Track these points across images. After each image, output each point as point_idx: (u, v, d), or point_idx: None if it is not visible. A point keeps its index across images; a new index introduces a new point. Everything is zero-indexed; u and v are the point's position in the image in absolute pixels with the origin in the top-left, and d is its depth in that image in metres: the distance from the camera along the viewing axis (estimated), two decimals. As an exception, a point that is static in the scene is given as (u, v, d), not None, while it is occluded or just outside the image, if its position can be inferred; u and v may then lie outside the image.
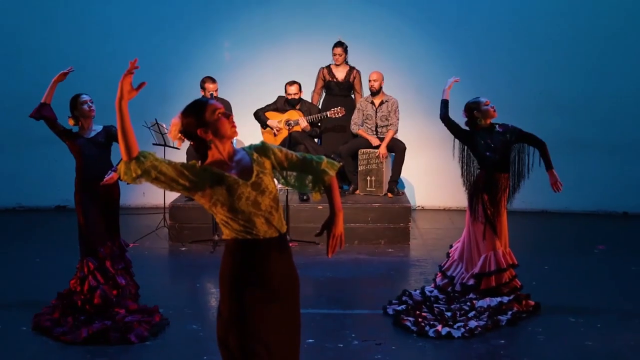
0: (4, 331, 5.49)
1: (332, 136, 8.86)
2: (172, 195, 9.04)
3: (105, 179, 5.70)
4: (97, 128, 5.92)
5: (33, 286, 6.60)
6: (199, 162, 3.34)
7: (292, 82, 8.62)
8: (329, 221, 3.54)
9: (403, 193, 8.73)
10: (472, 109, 6.02)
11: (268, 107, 8.71)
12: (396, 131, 8.74)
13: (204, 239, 8.13)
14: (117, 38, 10.11)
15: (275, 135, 8.61)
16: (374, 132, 8.74)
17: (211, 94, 8.32)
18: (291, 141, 8.26)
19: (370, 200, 8.43)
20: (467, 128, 6.11)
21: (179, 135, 3.38)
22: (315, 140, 8.76)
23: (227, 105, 8.56)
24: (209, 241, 8.07)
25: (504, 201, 6.05)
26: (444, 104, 6.16)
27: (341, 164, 8.32)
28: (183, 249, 8.05)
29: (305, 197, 8.38)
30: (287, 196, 8.09)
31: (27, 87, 10.00)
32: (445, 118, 6.12)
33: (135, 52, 9.83)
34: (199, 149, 3.36)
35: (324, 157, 3.56)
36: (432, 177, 9.95)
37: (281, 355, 3.33)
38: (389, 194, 8.63)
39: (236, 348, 3.26)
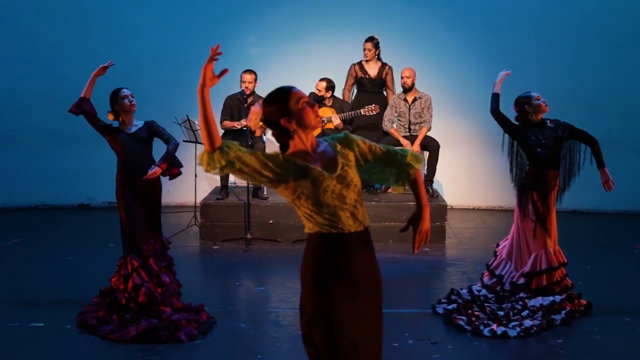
0: (48, 330, 5.36)
1: (364, 134, 8.70)
2: (202, 194, 8.94)
3: (148, 174, 5.57)
4: (138, 123, 5.78)
5: (70, 284, 6.49)
6: (280, 152, 3.22)
7: (323, 79, 8.50)
8: (415, 216, 3.42)
9: (438, 195, 8.56)
10: (523, 103, 5.89)
11: (299, 104, 8.56)
12: (429, 128, 8.61)
13: (236, 238, 8.00)
14: (141, 35, 9.98)
15: (307, 132, 8.48)
16: (407, 130, 8.61)
17: (243, 91, 8.18)
18: (324, 138, 8.11)
19: (404, 198, 8.29)
20: (516, 123, 5.98)
21: (260, 123, 3.26)
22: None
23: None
24: (241, 239, 7.94)
25: (554, 198, 5.92)
26: (495, 98, 6.03)
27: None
28: (215, 247, 7.91)
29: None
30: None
31: (48, 84, 9.91)
32: (496, 112, 5.99)
33: (160, 49, 9.89)
34: (280, 139, 3.24)
35: (407, 150, 3.43)
36: (461, 176, 9.83)
37: (366, 352, 3.21)
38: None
39: (322, 345, 3.17)
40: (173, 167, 5.76)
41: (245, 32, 10.04)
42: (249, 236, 7.81)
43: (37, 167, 9.95)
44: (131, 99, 5.73)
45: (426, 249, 7.85)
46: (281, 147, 3.25)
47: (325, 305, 3.15)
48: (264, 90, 8.73)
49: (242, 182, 8.85)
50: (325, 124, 8.35)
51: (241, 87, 8.35)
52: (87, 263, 7.25)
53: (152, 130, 5.77)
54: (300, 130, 3.19)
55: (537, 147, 5.84)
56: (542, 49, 9.79)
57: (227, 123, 8.38)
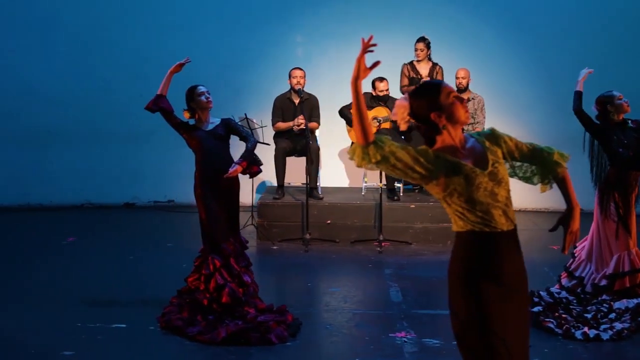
0: (132, 331, 5.28)
1: (416, 134, 8.59)
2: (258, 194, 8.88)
3: (229, 172, 5.47)
4: (215, 120, 5.69)
5: (142, 284, 6.41)
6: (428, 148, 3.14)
7: (381, 78, 8.40)
8: (565, 216, 3.30)
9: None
10: (605, 102, 5.81)
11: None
12: (483, 130, 8.52)
13: (293, 238, 7.91)
14: (186, 34, 9.88)
15: (361, 132, 8.39)
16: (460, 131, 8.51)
17: (299, 90, 8.09)
18: (380, 138, 8.02)
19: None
20: (597, 122, 5.90)
21: (407, 118, 3.19)
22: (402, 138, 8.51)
23: (314, 100, 8.35)
24: (299, 240, 7.86)
25: (634, 200, 5.84)
26: (578, 96, 5.95)
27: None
28: (274, 247, 7.82)
29: (395, 197, 8.15)
30: (380, 195, 7.85)
31: (96, 82, 9.84)
32: (578, 111, 5.90)
33: (207, 48, 9.80)
34: (427, 134, 3.16)
35: (554, 148, 3.34)
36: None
37: (518, 353, 3.13)
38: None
39: (477, 346, 3.08)
40: (253, 165, 5.66)
41: (291, 31, 9.96)
42: (307, 236, 7.72)
43: (83, 166, 9.86)
44: (208, 95, 5.64)
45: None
46: (428, 143, 3.17)
47: (480, 307, 3.07)
48: (311, 90, 8.77)
49: (296, 182, 8.75)
50: (382, 123, 8.26)
51: (291, 84, 8.24)
52: (151, 262, 7.17)
53: (229, 127, 5.68)
54: (449, 125, 3.12)
55: (619, 147, 5.76)
56: (593, 51, 9.68)
57: (281, 124, 8.28)
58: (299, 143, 8.16)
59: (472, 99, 8.52)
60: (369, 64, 3.08)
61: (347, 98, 8.53)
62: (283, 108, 8.34)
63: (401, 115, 3.20)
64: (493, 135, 3.22)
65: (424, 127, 3.16)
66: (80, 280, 6.50)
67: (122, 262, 7.18)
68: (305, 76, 8.24)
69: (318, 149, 8.19)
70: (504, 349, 3.05)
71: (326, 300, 6.09)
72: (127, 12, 9.89)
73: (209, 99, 5.64)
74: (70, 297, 5.98)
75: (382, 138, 3.03)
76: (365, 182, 8.73)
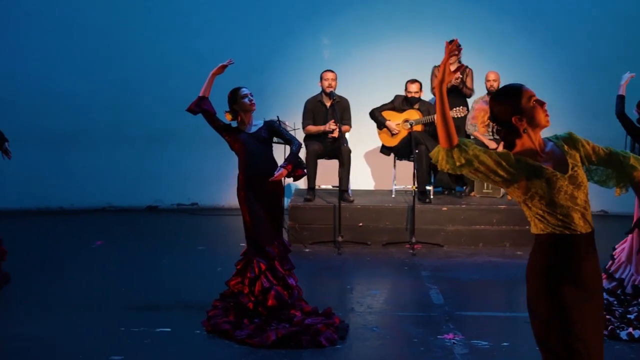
0: (178, 335, 5.23)
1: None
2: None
3: (275, 176, 5.44)
4: (258, 123, 5.66)
5: (181, 288, 6.38)
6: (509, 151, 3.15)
7: (414, 80, 8.39)
8: None
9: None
10: (646, 106, 5.83)
11: (385, 107, 8.45)
12: (513, 131, 8.50)
13: (325, 240, 7.89)
14: (210, 36, 9.87)
15: (392, 135, 8.37)
16: (490, 133, 8.49)
17: (332, 92, 8.07)
18: (412, 141, 8.02)
19: (494, 202, 8.22)
20: (639, 126, 5.90)
21: (487, 122, 3.20)
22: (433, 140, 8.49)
23: (345, 103, 8.33)
24: (330, 242, 7.84)
25: None
26: (620, 100, 5.94)
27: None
28: (306, 250, 7.80)
29: (427, 200, 8.13)
30: (414, 198, 7.84)
31: (119, 84, 9.81)
32: (621, 114, 5.89)
33: (234, 50, 9.75)
34: (507, 137, 3.17)
35: (629, 152, 3.34)
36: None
37: (596, 354, 3.14)
38: (509, 196, 8.40)
39: (559, 348, 3.09)
40: (298, 169, 5.63)
41: (318, 33, 9.94)
42: (340, 239, 7.70)
43: (106, 169, 9.84)
44: (251, 97, 5.60)
45: (518, 253, 7.75)
46: (507, 146, 3.18)
47: (562, 308, 3.07)
48: (337, 91, 8.73)
49: (326, 184, 8.74)
50: (413, 126, 8.23)
51: (323, 87, 8.23)
52: (185, 266, 7.14)
53: (272, 130, 5.65)
54: (530, 129, 3.12)
55: (661, 150, 5.77)
56: (615, 54, 9.70)
57: (312, 128, 8.25)
58: (330, 145, 8.14)
59: (502, 101, 8.49)
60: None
61: (374, 100, 8.64)
62: (314, 111, 8.32)
63: (481, 119, 3.23)
64: (571, 139, 3.23)
65: (504, 130, 3.17)
66: (118, 284, 6.46)
67: (156, 265, 7.14)
68: (336, 78, 8.21)
69: (349, 151, 8.16)
70: (585, 350, 3.07)
71: (368, 302, 6.05)
72: (150, 14, 9.88)
73: (252, 101, 5.60)
74: (111, 301, 5.94)
75: (465, 141, 3.04)
76: (395, 185, 8.71)
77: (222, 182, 9.94)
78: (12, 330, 5.30)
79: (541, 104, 3.14)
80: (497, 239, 7.95)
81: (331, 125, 8.00)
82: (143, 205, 10.00)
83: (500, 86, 3.33)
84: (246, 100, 5.58)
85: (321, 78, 8.27)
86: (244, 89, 5.63)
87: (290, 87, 9.56)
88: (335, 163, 8.19)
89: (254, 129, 5.61)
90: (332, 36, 9.95)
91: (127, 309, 5.77)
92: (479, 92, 8.80)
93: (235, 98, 5.61)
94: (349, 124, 8.33)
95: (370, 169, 9.87)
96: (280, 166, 5.49)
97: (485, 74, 8.59)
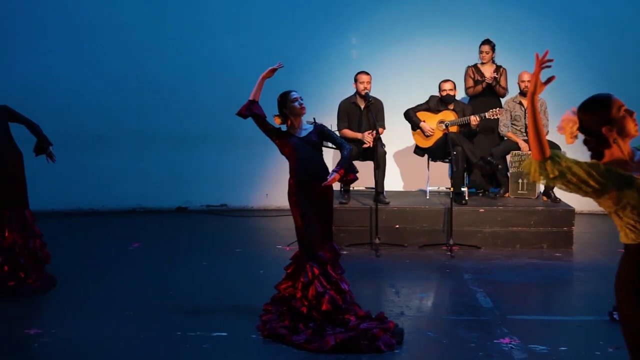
0: (235, 340, 5.22)
1: (480, 138, 8.60)
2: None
3: (328, 180, 5.42)
4: (307, 127, 5.64)
5: (225, 292, 6.37)
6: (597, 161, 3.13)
7: (447, 80, 8.37)
8: None
9: (559, 200, 8.40)
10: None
11: (420, 107, 8.43)
12: (547, 132, 8.49)
13: (362, 242, 7.88)
14: (237, 36, 9.85)
15: (427, 136, 8.36)
16: (523, 134, 8.51)
17: (367, 94, 8.05)
18: (447, 142, 8.01)
19: (531, 203, 8.19)
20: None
21: (576, 132, 3.20)
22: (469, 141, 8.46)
23: (379, 105, 8.32)
24: (367, 244, 7.83)
25: None
26: None
27: (500, 166, 8.17)
28: (344, 252, 7.74)
29: (463, 202, 8.12)
30: (451, 199, 7.83)
31: (146, 85, 9.78)
32: None
33: (259, 51, 9.75)
34: (596, 147, 3.16)
35: None
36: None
37: None
38: (544, 198, 8.40)
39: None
40: (349, 173, 5.61)
41: (346, 33, 9.92)
42: (377, 241, 7.69)
43: (134, 170, 9.82)
44: (301, 101, 5.58)
45: (557, 254, 7.74)
46: (596, 156, 3.17)
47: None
48: (373, 92, 8.73)
49: (359, 186, 8.72)
50: (449, 127, 8.22)
51: (357, 89, 8.22)
52: (226, 269, 7.12)
53: (322, 134, 5.63)
54: (619, 139, 3.11)
55: None
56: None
57: (348, 133, 8.20)
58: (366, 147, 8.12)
59: (536, 101, 8.49)
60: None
61: (403, 100, 8.62)
62: (349, 113, 8.30)
63: (569, 129, 3.21)
64: None
65: (593, 140, 3.16)
66: (163, 287, 6.45)
67: (197, 268, 7.13)
68: (371, 81, 8.20)
69: (385, 153, 8.15)
70: None
71: (416, 305, 6.05)
72: (177, 15, 9.84)
73: (303, 105, 5.58)
74: (160, 304, 5.93)
75: (558, 153, 3.04)
76: (429, 186, 8.70)
77: (251, 184, 9.98)
78: (66, 334, 5.30)
79: (630, 113, 3.14)
80: (535, 240, 7.93)
81: (366, 137, 7.98)
82: (172, 207, 9.97)
83: (588, 96, 3.33)
84: (296, 104, 5.56)
85: (356, 80, 8.25)
86: (293, 93, 5.60)
87: (319, 87, 9.52)
88: (368, 164, 8.17)
89: (304, 133, 5.59)
90: (360, 36, 9.92)
91: (178, 312, 5.76)
92: (512, 92, 8.81)
93: (285, 102, 5.59)
94: (383, 126, 8.31)
95: (399, 169, 9.85)
96: (333, 171, 5.48)
97: (519, 74, 8.57)
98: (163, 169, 9.83)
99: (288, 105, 5.57)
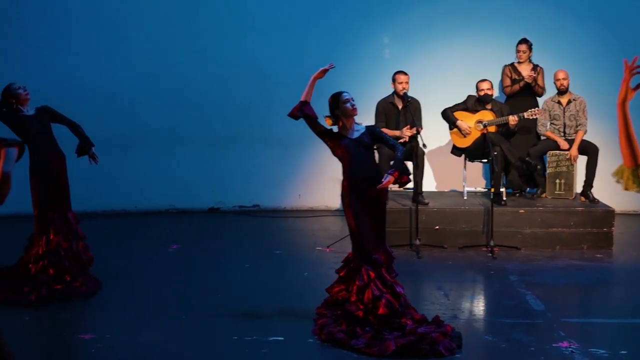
0: (293, 344, 5.18)
1: (517, 138, 8.54)
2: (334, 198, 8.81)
3: (383, 182, 5.38)
4: (359, 128, 5.59)
5: (273, 295, 6.32)
6: None
7: (484, 79, 8.31)
8: None
9: (597, 200, 8.34)
10: None
11: (457, 107, 8.38)
12: (585, 132, 8.45)
13: (401, 244, 7.83)
14: (269, 36, 9.80)
15: (464, 136, 8.30)
16: (562, 133, 8.45)
17: (405, 94, 8.01)
18: (486, 142, 7.96)
19: (570, 204, 8.15)
20: None
21: None
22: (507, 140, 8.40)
23: (417, 104, 8.27)
24: (406, 246, 7.79)
25: None
26: None
27: (539, 167, 8.12)
28: (387, 254, 7.74)
29: (503, 202, 8.07)
30: (492, 199, 7.79)
31: (178, 86, 9.74)
32: None
33: (293, 51, 9.71)
34: None
35: None
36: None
37: None
38: (582, 198, 8.35)
39: None
40: (403, 175, 5.57)
41: (378, 32, 9.87)
42: (417, 242, 7.65)
43: (167, 171, 9.79)
44: (353, 102, 5.54)
45: (598, 255, 7.70)
46: None
47: None
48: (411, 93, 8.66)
49: (394, 186, 8.66)
50: (487, 127, 8.17)
51: (396, 89, 8.18)
52: (270, 271, 7.07)
53: (374, 135, 5.58)
54: None
55: None
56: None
57: (387, 132, 8.15)
58: (405, 147, 8.06)
59: (574, 100, 8.44)
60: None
61: (435, 99, 8.56)
62: (386, 113, 8.25)
63: None
64: None
65: None
66: (211, 290, 6.41)
67: (241, 270, 7.09)
68: (409, 81, 8.15)
69: (424, 153, 8.11)
70: None
71: (468, 308, 6.01)
72: (209, 16, 9.80)
73: (355, 106, 5.54)
74: (212, 308, 5.88)
75: None
76: (465, 187, 8.66)
77: (283, 184, 9.94)
78: (121, 339, 5.26)
79: None
80: (575, 241, 7.89)
81: (405, 132, 7.93)
82: (205, 207, 9.94)
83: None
84: (348, 105, 5.51)
85: (394, 80, 8.21)
86: (345, 94, 5.56)
87: (352, 88, 9.35)
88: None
89: (356, 134, 5.54)
90: (392, 35, 9.87)
91: (231, 316, 5.72)
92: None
93: (337, 103, 5.54)
94: (420, 126, 8.27)
95: (431, 170, 9.80)
96: (387, 173, 5.44)
97: (554, 73, 8.51)
98: (195, 170, 9.80)
99: (340, 106, 5.52)
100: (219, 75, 9.72)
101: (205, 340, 5.23)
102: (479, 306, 6.11)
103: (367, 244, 5.42)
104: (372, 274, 5.37)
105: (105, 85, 9.65)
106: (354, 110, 5.52)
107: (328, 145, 5.59)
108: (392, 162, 5.77)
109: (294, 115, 5.55)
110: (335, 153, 5.58)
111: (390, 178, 5.40)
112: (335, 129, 5.60)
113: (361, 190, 5.45)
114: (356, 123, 5.67)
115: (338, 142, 5.52)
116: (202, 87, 9.74)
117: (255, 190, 9.89)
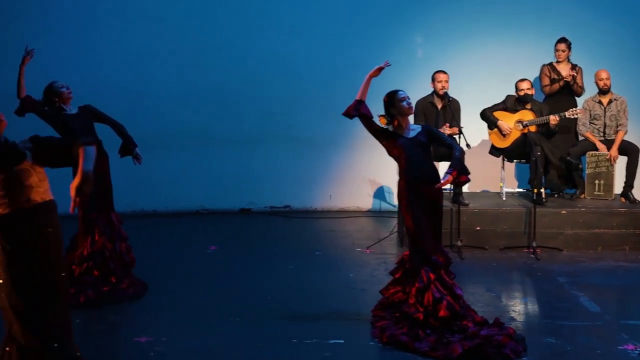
0: (354, 347, 5.11)
1: (556, 137, 8.45)
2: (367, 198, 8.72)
3: (442, 182, 5.29)
4: (415, 127, 5.51)
5: (324, 297, 6.25)
6: None
7: (523, 79, 8.23)
8: None
9: (638, 201, 8.25)
10: None
11: (497, 107, 8.29)
12: (626, 132, 8.37)
13: (444, 245, 7.72)
14: (300, 36, 9.72)
15: (504, 136, 8.21)
16: (602, 133, 8.37)
17: (445, 93, 7.92)
18: (527, 142, 7.87)
19: (612, 205, 8.06)
20: None
21: None
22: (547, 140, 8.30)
23: (457, 104, 8.19)
24: (448, 247, 7.68)
25: None
26: None
27: (581, 166, 8.04)
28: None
29: (544, 202, 7.98)
30: (533, 201, 7.71)
31: (208, 86, 9.66)
32: None
33: (324, 50, 9.62)
34: None
35: None
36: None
37: None
38: (623, 199, 8.26)
39: None
40: (462, 175, 5.47)
41: (411, 32, 9.78)
42: (459, 243, 7.57)
43: (198, 172, 9.70)
44: (409, 101, 5.46)
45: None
46: None
47: None
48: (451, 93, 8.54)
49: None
50: (527, 127, 8.08)
51: (435, 88, 8.10)
52: (315, 272, 6.99)
53: (431, 134, 5.49)
54: None
55: None
56: None
57: None
58: (442, 148, 7.97)
59: (614, 100, 8.36)
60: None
61: (470, 99, 8.45)
62: (425, 112, 8.17)
63: None
64: None
65: None
66: (260, 292, 6.33)
67: (285, 272, 7.01)
68: (449, 80, 8.07)
69: (464, 153, 8.01)
70: None
71: (523, 310, 5.93)
72: (238, 14, 9.71)
73: (411, 105, 5.47)
74: (265, 311, 5.81)
75: None
76: (502, 187, 8.57)
77: (314, 185, 9.86)
78: (178, 342, 5.17)
79: None
80: (617, 242, 7.80)
81: (447, 130, 7.84)
82: (236, 208, 9.84)
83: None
84: (404, 103, 5.43)
85: (433, 79, 8.14)
86: (401, 92, 5.48)
87: (385, 88, 9.36)
88: (443, 165, 8.02)
89: (412, 134, 5.46)
90: (426, 34, 9.78)
91: (286, 318, 5.64)
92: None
93: (393, 101, 5.46)
94: (459, 126, 8.17)
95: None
96: (446, 173, 5.35)
97: (596, 72, 8.43)
98: (226, 171, 9.71)
99: (396, 105, 5.44)
100: (250, 76, 9.63)
101: (265, 344, 5.12)
102: (534, 308, 6.02)
103: (426, 246, 5.33)
104: (432, 276, 5.29)
105: (135, 85, 9.55)
106: (410, 109, 5.45)
107: (383, 145, 5.50)
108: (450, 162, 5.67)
109: (349, 114, 5.47)
110: (391, 153, 5.50)
111: (449, 177, 5.30)
112: (390, 128, 5.52)
113: (418, 190, 5.36)
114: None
115: (394, 142, 5.43)
116: (233, 88, 9.65)
117: (286, 191, 9.80)
